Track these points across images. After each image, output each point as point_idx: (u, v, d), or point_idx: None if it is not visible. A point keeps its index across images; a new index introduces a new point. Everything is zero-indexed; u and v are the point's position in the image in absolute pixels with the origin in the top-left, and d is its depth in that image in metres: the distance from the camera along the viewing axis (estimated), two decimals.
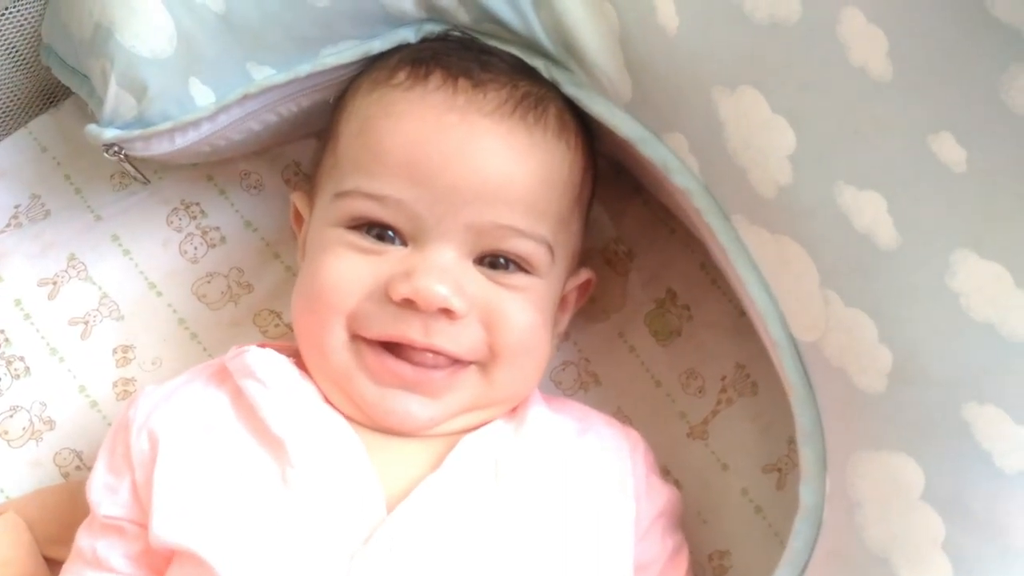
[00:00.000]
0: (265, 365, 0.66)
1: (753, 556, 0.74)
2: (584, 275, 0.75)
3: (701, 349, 0.81)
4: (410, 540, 0.59)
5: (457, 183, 0.63)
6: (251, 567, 0.57)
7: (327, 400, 0.66)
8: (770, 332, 0.61)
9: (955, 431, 0.52)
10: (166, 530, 0.60)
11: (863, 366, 0.55)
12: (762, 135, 0.60)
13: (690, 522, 0.75)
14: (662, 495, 0.70)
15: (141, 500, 0.62)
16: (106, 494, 0.64)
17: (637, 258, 0.84)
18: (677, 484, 0.77)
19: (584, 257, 0.78)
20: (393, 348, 0.64)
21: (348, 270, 0.64)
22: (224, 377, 0.67)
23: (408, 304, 0.62)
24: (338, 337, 0.64)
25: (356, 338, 0.64)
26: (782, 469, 0.76)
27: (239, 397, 0.65)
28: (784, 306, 0.61)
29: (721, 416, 0.79)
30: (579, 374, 0.82)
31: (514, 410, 0.69)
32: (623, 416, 0.80)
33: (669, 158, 0.66)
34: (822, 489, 0.58)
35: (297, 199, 0.75)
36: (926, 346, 0.53)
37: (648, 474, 0.71)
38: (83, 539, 0.65)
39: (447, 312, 0.62)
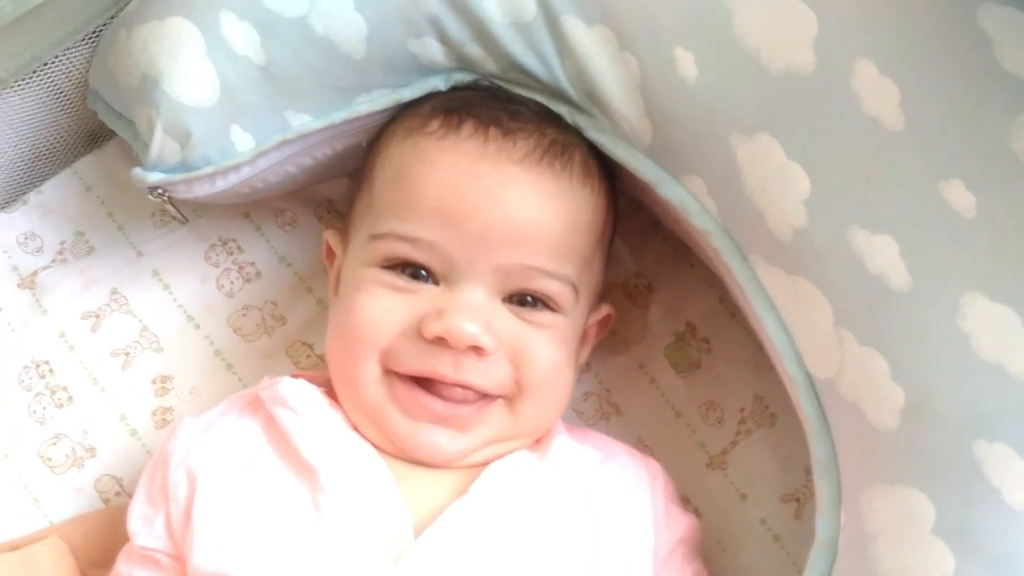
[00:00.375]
0: (297, 395, 0.68)
1: None
2: (604, 310, 0.77)
3: (720, 381, 0.82)
4: (439, 562, 0.61)
5: (488, 227, 0.66)
6: None
7: (355, 429, 0.68)
8: (786, 368, 0.63)
9: (965, 468, 0.53)
10: (205, 560, 0.62)
11: (877, 404, 0.57)
12: (778, 180, 0.62)
13: (709, 551, 0.76)
14: (680, 524, 0.72)
15: (174, 534, 0.65)
16: (143, 525, 0.66)
17: (657, 292, 0.86)
18: (696, 513, 0.79)
19: (605, 291, 0.80)
20: (424, 383, 0.66)
21: (382, 308, 0.66)
22: (257, 407, 0.70)
23: (440, 341, 0.65)
24: (371, 371, 0.66)
25: (388, 373, 0.67)
26: (800, 499, 0.77)
27: (271, 425, 0.68)
28: (800, 343, 0.63)
29: (740, 447, 0.80)
30: (601, 404, 0.84)
31: (538, 441, 0.71)
32: (643, 446, 0.81)
33: (688, 200, 0.68)
34: (837, 521, 0.59)
35: (329, 236, 0.77)
36: (937, 385, 0.55)
37: (667, 503, 0.72)
38: (122, 566, 0.67)
39: (477, 349, 0.65)
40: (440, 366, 0.65)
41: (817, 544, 0.60)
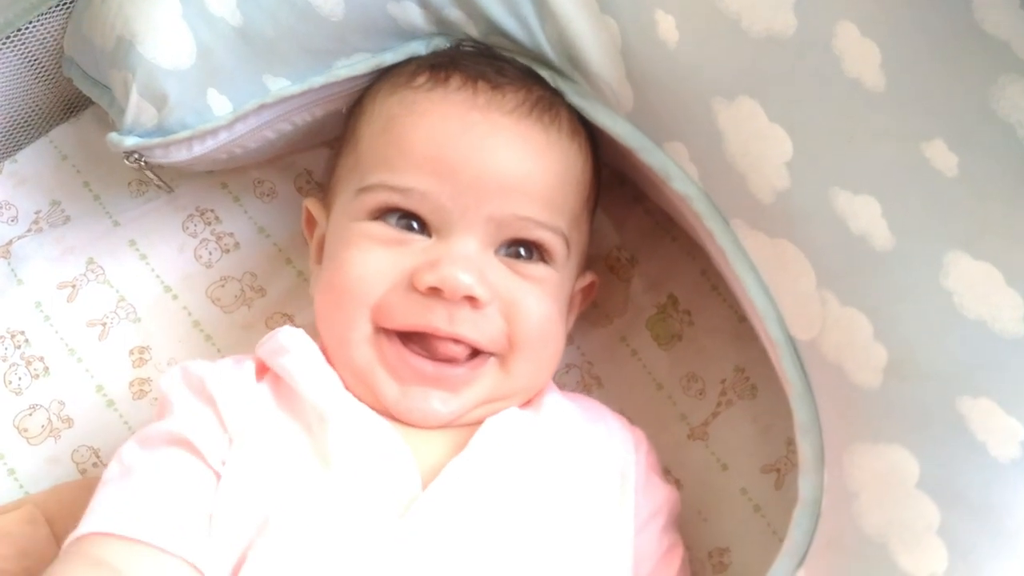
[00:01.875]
0: (299, 343, 0.67)
1: (752, 553, 0.75)
2: (589, 277, 0.77)
3: (702, 353, 0.82)
4: (445, 514, 0.60)
5: (480, 176, 0.65)
6: (298, 537, 0.59)
7: (349, 390, 0.67)
8: (769, 332, 0.63)
9: (950, 423, 0.54)
10: (237, 504, 0.60)
11: (859, 363, 0.57)
12: (760, 143, 0.61)
13: (690, 520, 0.76)
14: (660, 493, 0.72)
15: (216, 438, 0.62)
16: (187, 413, 0.63)
17: (639, 264, 0.86)
18: (678, 484, 0.79)
19: (588, 263, 0.79)
20: (415, 339, 0.66)
21: (373, 261, 0.66)
22: (261, 371, 0.68)
23: (433, 293, 0.64)
24: (362, 329, 0.66)
25: (380, 331, 0.66)
26: (780, 469, 0.77)
27: (277, 383, 0.66)
28: (782, 307, 0.63)
29: (721, 418, 0.80)
30: (582, 377, 0.84)
31: (529, 400, 0.71)
32: (625, 417, 0.80)
33: (669, 165, 0.68)
34: (820, 482, 0.59)
35: (310, 204, 0.76)
36: (920, 343, 0.55)
37: (648, 471, 0.72)
38: (138, 452, 0.62)
39: (471, 300, 0.64)
40: (434, 319, 0.64)
41: (800, 504, 0.60)
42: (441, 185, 0.65)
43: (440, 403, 0.66)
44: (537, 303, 0.68)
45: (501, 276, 0.67)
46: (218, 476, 0.61)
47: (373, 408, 0.66)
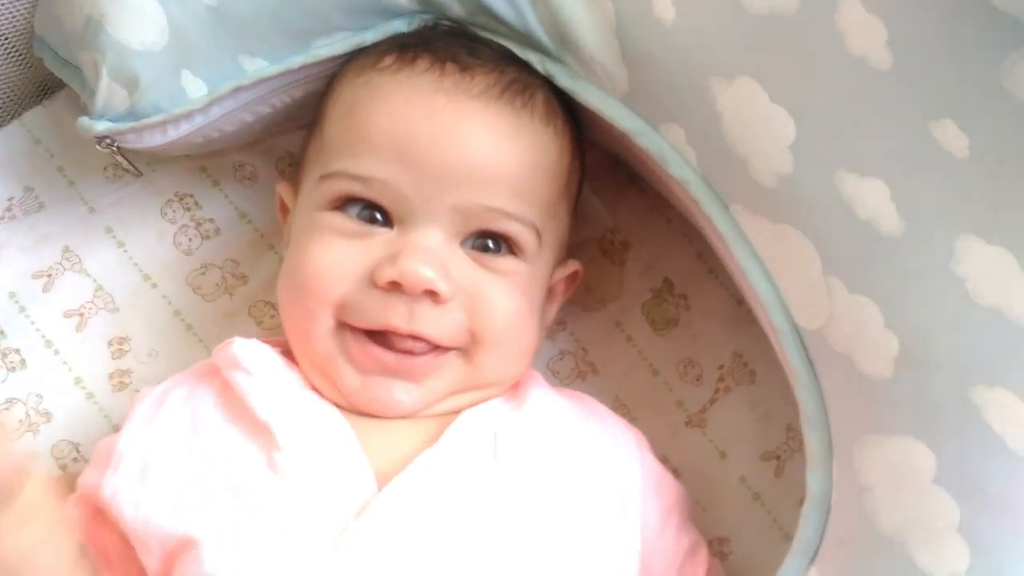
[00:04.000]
0: (250, 355, 0.65)
1: (752, 543, 0.74)
2: (571, 266, 0.75)
3: (699, 338, 0.81)
4: (404, 513, 0.58)
5: (445, 164, 0.63)
6: (240, 546, 0.57)
7: (313, 387, 0.66)
8: (773, 321, 0.62)
9: (965, 415, 0.52)
10: (156, 516, 0.59)
11: (869, 352, 0.56)
12: (761, 125, 0.60)
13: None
14: (672, 492, 0.70)
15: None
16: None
17: (633, 248, 0.84)
18: (676, 472, 0.77)
19: (580, 247, 0.78)
20: (377, 336, 0.64)
21: (334, 258, 0.64)
22: (214, 374, 0.67)
23: (394, 287, 0.62)
24: (324, 324, 0.64)
25: (342, 326, 0.64)
26: (780, 456, 0.76)
27: (226, 391, 0.65)
28: (787, 295, 0.61)
29: (719, 404, 0.79)
30: (576, 363, 0.82)
31: (515, 391, 0.69)
32: (620, 405, 0.80)
33: (666, 149, 0.66)
34: (829, 476, 0.58)
35: (282, 189, 0.74)
36: (933, 331, 0.54)
37: (657, 471, 0.71)
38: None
39: (432, 295, 0.62)
40: (393, 317, 0.62)
41: (809, 499, 0.59)
42: (403, 173, 0.63)
43: (403, 393, 0.64)
44: (503, 298, 0.65)
45: (466, 269, 0.64)
46: None
47: (338, 404, 0.64)
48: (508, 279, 0.66)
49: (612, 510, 0.65)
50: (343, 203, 0.65)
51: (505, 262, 0.66)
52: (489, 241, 0.66)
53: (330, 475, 0.60)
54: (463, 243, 0.65)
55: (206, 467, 0.61)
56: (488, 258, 0.65)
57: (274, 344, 0.68)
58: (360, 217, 0.65)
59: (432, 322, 0.63)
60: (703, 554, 0.70)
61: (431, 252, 0.63)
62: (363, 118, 0.65)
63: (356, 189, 0.64)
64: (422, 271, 0.61)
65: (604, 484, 0.66)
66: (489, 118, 0.65)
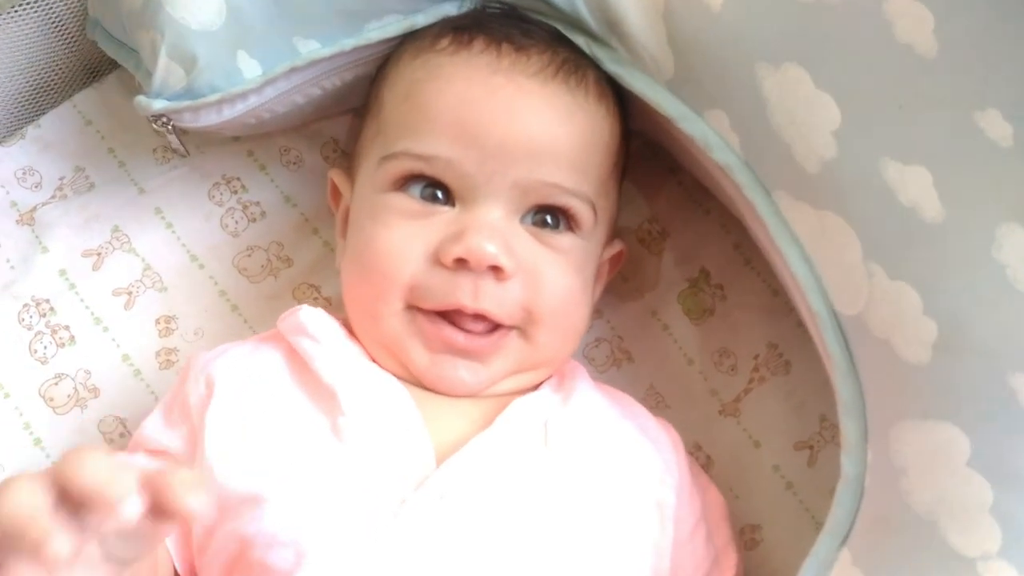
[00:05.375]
0: (317, 322, 0.67)
1: (784, 531, 0.75)
2: (617, 246, 0.76)
3: (734, 328, 0.81)
4: (461, 490, 0.59)
5: (505, 141, 0.64)
6: (302, 508, 0.58)
7: (374, 360, 0.67)
8: (811, 306, 0.62)
9: (1002, 400, 0.52)
10: (220, 468, 0.60)
11: (908, 337, 0.56)
12: (806, 111, 0.60)
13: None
14: (706, 494, 0.71)
15: (195, 447, 0.63)
16: (158, 436, 0.65)
17: (671, 238, 0.84)
18: (708, 460, 0.78)
19: (618, 236, 0.78)
20: (444, 316, 0.65)
21: (400, 238, 0.65)
22: (278, 340, 0.68)
23: (460, 265, 0.63)
24: (394, 306, 0.65)
25: (411, 308, 0.65)
26: (814, 447, 0.76)
27: (292, 355, 0.66)
28: (827, 280, 0.61)
29: (753, 394, 0.79)
30: (612, 351, 0.83)
31: (561, 383, 0.70)
32: (655, 393, 0.81)
33: (710, 135, 0.66)
34: (864, 459, 0.58)
35: (335, 175, 0.75)
36: (972, 316, 0.54)
37: (692, 466, 0.71)
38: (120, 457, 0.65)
39: (496, 271, 0.63)
40: (461, 296, 0.63)
41: (843, 481, 0.59)
42: (466, 151, 0.64)
43: (468, 372, 0.65)
44: (560, 275, 0.67)
45: (526, 246, 0.66)
46: None
47: (400, 377, 0.66)
48: (565, 256, 0.67)
49: (649, 509, 0.66)
50: (405, 183, 0.66)
51: (563, 239, 0.67)
52: (547, 217, 0.67)
53: (392, 446, 0.61)
54: (522, 219, 0.66)
55: (270, 427, 0.62)
56: (547, 234, 0.67)
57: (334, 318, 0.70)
58: (422, 196, 0.66)
59: (495, 300, 0.64)
60: (731, 561, 0.70)
61: (494, 228, 0.64)
62: (424, 99, 0.66)
63: (419, 168, 0.65)
64: (487, 247, 0.62)
65: (643, 482, 0.67)
66: (546, 96, 0.66)
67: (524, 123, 0.65)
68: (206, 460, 0.61)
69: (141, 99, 0.71)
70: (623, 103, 0.73)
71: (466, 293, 0.63)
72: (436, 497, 0.59)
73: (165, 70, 0.69)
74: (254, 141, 0.84)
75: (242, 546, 0.58)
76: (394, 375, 0.66)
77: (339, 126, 0.86)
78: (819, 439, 0.77)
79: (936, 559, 0.53)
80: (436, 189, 0.66)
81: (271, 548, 0.57)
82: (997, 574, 0.51)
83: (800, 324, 0.69)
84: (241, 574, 0.57)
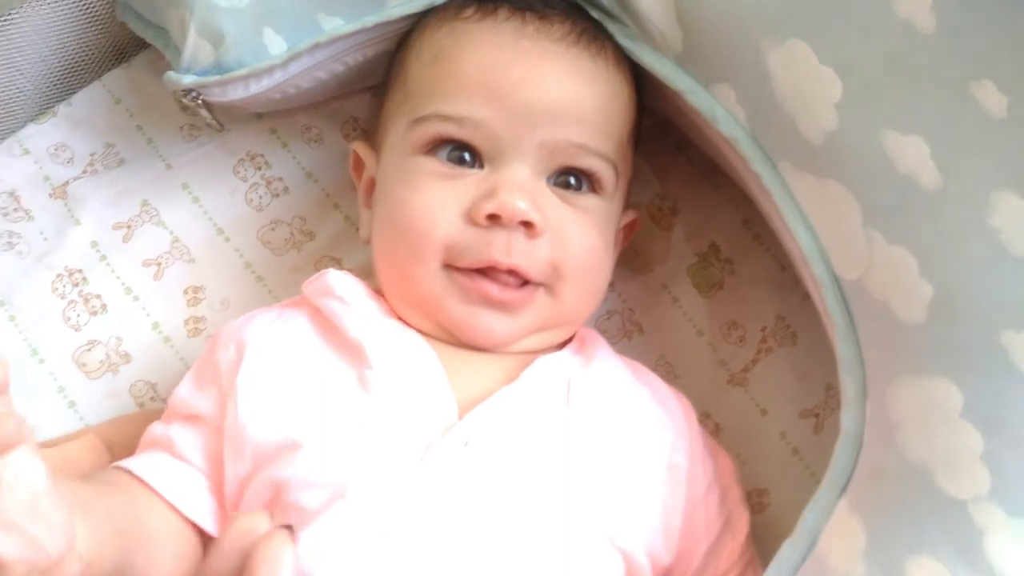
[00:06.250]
0: (343, 284, 0.69)
1: (790, 494, 0.76)
2: (631, 215, 0.78)
3: (742, 301, 0.83)
4: (485, 437, 0.62)
5: (532, 103, 0.66)
6: (335, 453, 0.61)
7: (399, 319, 0.70)
8: (814, 272, 0.64)
9: (993, 356, 0.54)
10: (253, 423, 0.63)
11: (905, 299, 0.58)
12: (810, 85, 0.62)
13: None
14: (717, 460, 0.73)
15: (224, 408, 0.65)
16: (190, 398, 0.68)
17: (681, 213, 0.86)
18: (717, 428, 0.80)
19: (629, 204, 0.80)
20: (480, 272, 0.67)
21: (433, 199, 0.67)
22: (302, 305, 0.71)
23: (492, 221, 0.65)
24: (431, 266, 0.67)
25: (447, 266, 0.67)
26: (819, 415, 0.78)
27: (317, 317, 0.69)
28: (828, 246, 0.63)
29: (761, 364, 0.81)
30: (623, 323, 0.85)
31: (582, 347, 0.72)
32: (665, 363, 0.83)
33: (717, 108, 0.68)
34: (862, 415, 0.60)
35: (359, 147, 0.77)
36: (966, 279, 0.56)
37: (702, 437, 0.73)
38: (157, 427, 0.68)
39: (528, 226, 0.66)
40: (495, 252, 0.65)
41: (842, 436, 0.61)
42: (495, 112, 0.66)
43: (500, 323, 0.68)
44: (584, 234, 0.69)
45: (552, 204, 0.68)
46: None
47: (425, 333, 0.68)
48: (588, 216, 0.69)
49: (662, 470, 0.68)
50: (434, 146, 0.68)
51: (586, 199, 0.70)
52: (571, 178, 0.69)
53: (416, 397, 0.63)
54: (547, 180, 0.69)
55: (300, 381, 0.65)
56: (571, 195, 0.69)
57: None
58: (450, 159, 0.68)
59: (526, 256, 0.66)
60: (743, 520, 0.72)
61: (524, 186, 0.66)
62: (453, 63, 0.68)
63: (449, 130, 0.67)
64: (518, 203, 0.65)
65: (657, 445, 0.69)
66: (570, 59, 0.68)
67: (550, 86, 0.67)
68: (239, 418, 0.63)
69: (171, 74, 0.74)
70: (638, 77, 0.75)
71: (499, 249, 0.65)
72: (461, 443, 0.61)
73: (194, 46, 0.72)
74: (277, 119, 0.87)
75: (276, 490, 0.61)
76: (420, 332, 0.68)
77: (359, 105, 0.88)
78: (824, 407, 0.78)
79: (929, 504, 0.55)
80: (463, 152, 0.68)
81: (305, 490, 0.59)
82: (987, 515, 0.53)
83: (807, 297, 0.70)
84: (274, 517, 0.60)
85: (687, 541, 0.67)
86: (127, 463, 0.65)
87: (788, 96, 0.63)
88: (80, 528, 0.49)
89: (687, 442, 0.70)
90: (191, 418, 0.67)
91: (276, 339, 0.68)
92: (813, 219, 0.64)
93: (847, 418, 0.61)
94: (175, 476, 0.64)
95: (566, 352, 0.71)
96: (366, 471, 0.60)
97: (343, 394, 0.64)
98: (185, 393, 0.69)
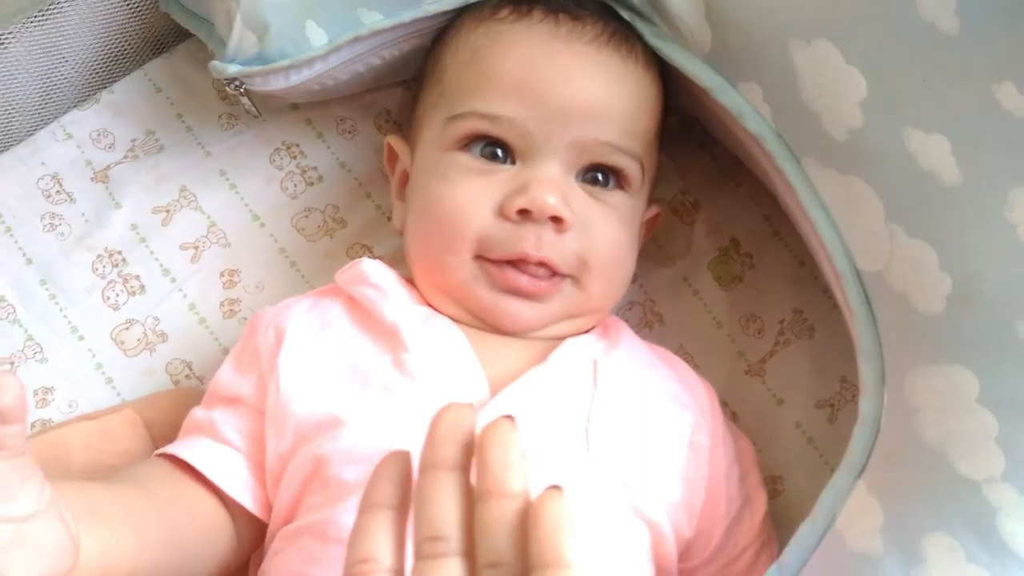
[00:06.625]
0: (377, 272, 0.72)
1: (805, 481, 0.79)
2: (654, 209, 0.80)
3: (761, 295, 0.85)
4: (517, 414, 0.63)
5: (565, 103, 0.68)
6: (375, 429, 0.63)
7: (429, 305, 0.72)
8: (835, 265, 0.66)
9: (1009, 345, 0.56)
10: (296, 400, 0.65)
11: (924, 291, 0.60)
12: (835, 84, 0.64)
13: None
14: (738, 442, 0.75)
15: (264, 390, 0.68)
16: (230, 383, 0.70)
17: (703, 209, 0.88)
18: (734, 416, 0.82)
19: (652, 200, 0.82)
20: (510, 264, 0.69)
21: (467, 193, 0.69)
22: (335, 293, 0.73)
23: (523, 216, 0.68)
24: (464, 257, 0.70)
25: (479, 258, 0.70)
26: (835, 405, 0.80)
27: (351, 304, 0.72)
28: (850, 241, 0.65)
29: (778, 356, 0.83)
30: (645, 314, 0.87)
31: (607, 332, 0.75)
32: (685, 353, 0.84)
33: (743, 106, 0.70)
34: (880, 402, 0.62)
35: (393, 140, 0.80)
36: (984, 271, 0.57)
37: (723, 420, 0.75)
38: (198, 412, 0.71)
39: (557, 221, 0.68)
40: (525, 245, 0.68)
41: (860, 421, 0.63)
42: (528, 111, 0.69)
43: (529, 309, 0.70)
44: (611, 229, 0.71)
45: (581, 200, 0.70)
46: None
47: (455, 319, 0.71)
48: (615, 211, 0.72)
49: (684, 448, 0.70)
50: (469, 142, 0.71)
51: (613, 195, 0.72)
52: (599, 175, 0.72)
53: (450, 377, 0.66)
54: (576, 177, 0.71)
55: (339, 361, 0.68)
56: (598, 191, 0.72)
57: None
58: (483, 155, 0.71)
59: (555, 249, 0.69)
60: (761, 500, 0.74)
61: (554, 182, 0.69)
62: (488, 63, 0.71)
63: (484, 127, 0.70)
64: (549, 198, 0.67)
65: (680, 424, 0.71)
66: (601, 61, 0.71)
67: (582, 86, 0.69)
68: (281, 397, 0.66)
69: (215, 63, 0.76)
70: (664, 77, 0.77)
71: (530, 242, 0.68)
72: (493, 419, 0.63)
73: (239, 37, 0.74)
74: (312, 110, 0.89)
75: (317, 465, 0.63)
76: (450, 318, 0.71)
77: (392, 98, 0.90)
78: (839, 398, 0.81)
79: (945, 484, 0.57)
80: (496, 148, 0.70)
81: (347, 464, 0.62)
82: (1000, 494, 0.55)
83: (825, 291, 0.72)
84: (315, 491, 0.63)
85: (708, 517, 0.70)
86: (171, 448, 0.67)
87: (814, 95, 0.65)
88: (88, 540, 0.51)
89: (710, 422, 0.73)
90: (231, 401, 0.70)
91: (313, 324, 0.70)
92: (835, 214, 0.66)
93: (865, 404, 0.63)
94: (217, 458, 0.67)
95: (592, 335, 0.73)
96: (405, 446, 0.62)
97: (381, 375, 0.66)
98: (225, 377, 0.71)
